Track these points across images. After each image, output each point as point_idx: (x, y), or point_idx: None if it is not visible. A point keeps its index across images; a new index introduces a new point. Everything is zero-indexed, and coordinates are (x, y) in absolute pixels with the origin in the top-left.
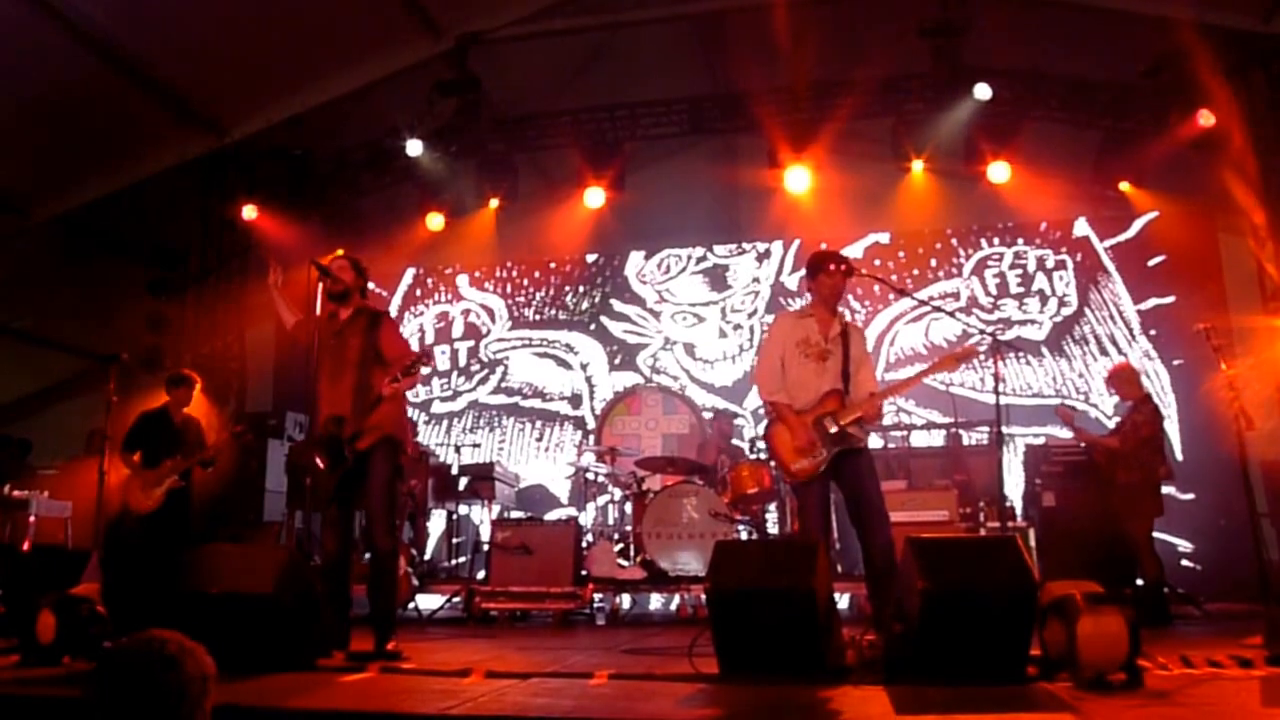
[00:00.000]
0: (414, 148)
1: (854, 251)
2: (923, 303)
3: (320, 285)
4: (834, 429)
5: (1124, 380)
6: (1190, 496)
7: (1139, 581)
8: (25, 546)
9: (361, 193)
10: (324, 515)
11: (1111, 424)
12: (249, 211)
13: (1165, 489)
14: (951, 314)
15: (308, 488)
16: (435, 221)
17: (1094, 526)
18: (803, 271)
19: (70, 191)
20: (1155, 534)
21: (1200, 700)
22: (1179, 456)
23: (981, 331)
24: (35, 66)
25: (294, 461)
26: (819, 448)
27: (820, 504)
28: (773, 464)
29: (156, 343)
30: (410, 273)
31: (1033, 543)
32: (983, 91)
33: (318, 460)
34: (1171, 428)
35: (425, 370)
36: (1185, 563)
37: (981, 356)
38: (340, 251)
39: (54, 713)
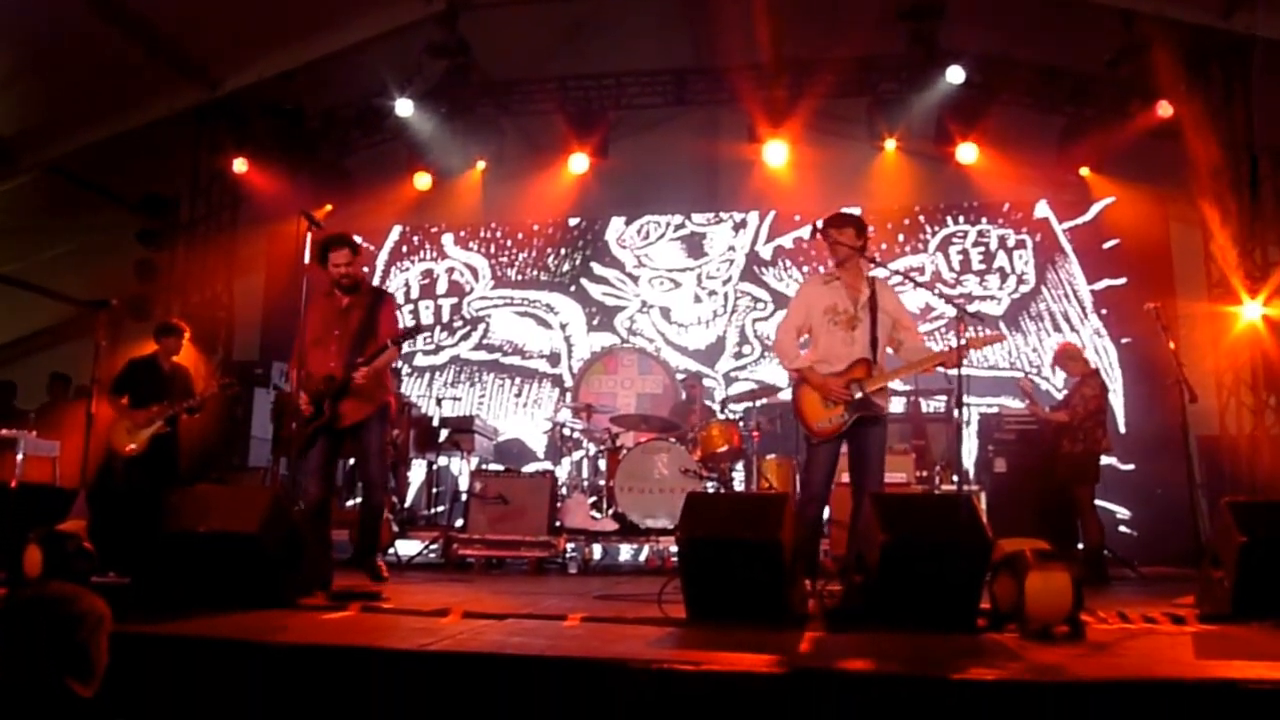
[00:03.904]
0: (404, 107)
1: None
2: (900, 273)
3: (309, 235)
4: (859, 395)
5: (1069, 358)
6: (1130, 467)
7: (1080, 545)
8: (13, 484)
9: (350, 150)
10: (306, 463)
11: (1060, 396)
12: (239, 164)
13: (1106, 459)
14: (923, 285)
15: (287, 434)
16: (423, 181)
17: (1041, 492)
18: (777, 241)
19: (59, 139)
20: (1096, 501)
21: (1137, 652)
22: (1122, 429)
23: (949, 301)
24: (24, 12)
25: (281, 406)
26: (843, 410)
27: (828, 463)
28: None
29: (145, 291)
30: (397, 230)
31: (984, 506)
32: (955, 75)
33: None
34: (1117, 402)
35: (416, 338)
36: (1123, 529)
37: (944, 328)
38: (329, 206)
39: None
